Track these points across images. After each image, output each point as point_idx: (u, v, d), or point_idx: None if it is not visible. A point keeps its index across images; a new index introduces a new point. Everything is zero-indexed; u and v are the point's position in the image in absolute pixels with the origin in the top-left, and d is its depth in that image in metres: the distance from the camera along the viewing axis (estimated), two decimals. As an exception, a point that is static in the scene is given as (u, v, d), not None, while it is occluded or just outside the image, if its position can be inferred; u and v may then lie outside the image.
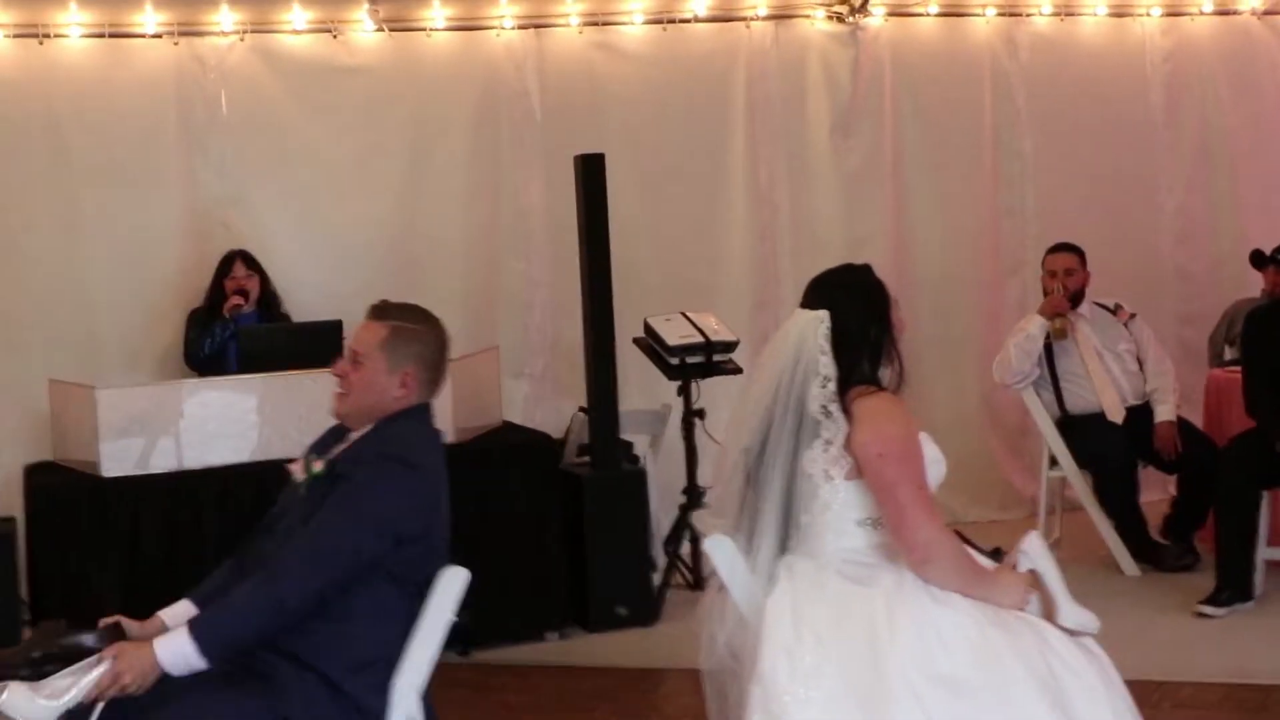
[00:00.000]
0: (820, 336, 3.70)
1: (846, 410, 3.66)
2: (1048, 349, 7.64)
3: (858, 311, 3.77)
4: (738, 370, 7.42)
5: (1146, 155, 9.38)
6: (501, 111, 8.37)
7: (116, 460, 6.39)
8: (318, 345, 6.57)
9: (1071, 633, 3.66)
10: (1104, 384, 7.54)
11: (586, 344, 7.18)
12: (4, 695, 3.42)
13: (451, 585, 3.70)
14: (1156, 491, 8.11)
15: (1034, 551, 3.78)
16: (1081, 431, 7.54)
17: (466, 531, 6.62)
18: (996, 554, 4.19)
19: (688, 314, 7.56)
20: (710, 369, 7.43)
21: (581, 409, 7.40)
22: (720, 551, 3.74)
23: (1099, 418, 7.50)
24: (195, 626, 3.61)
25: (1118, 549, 7.38)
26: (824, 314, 3.73)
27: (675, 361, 7.43)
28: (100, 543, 6.36)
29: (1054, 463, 7.66)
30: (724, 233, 8.69)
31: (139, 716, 3.49)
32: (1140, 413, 7.55)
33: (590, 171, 7.13)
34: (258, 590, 3.65)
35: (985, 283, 9.08)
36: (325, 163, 8.13)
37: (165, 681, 3.54)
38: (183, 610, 3.91)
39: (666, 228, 8.55)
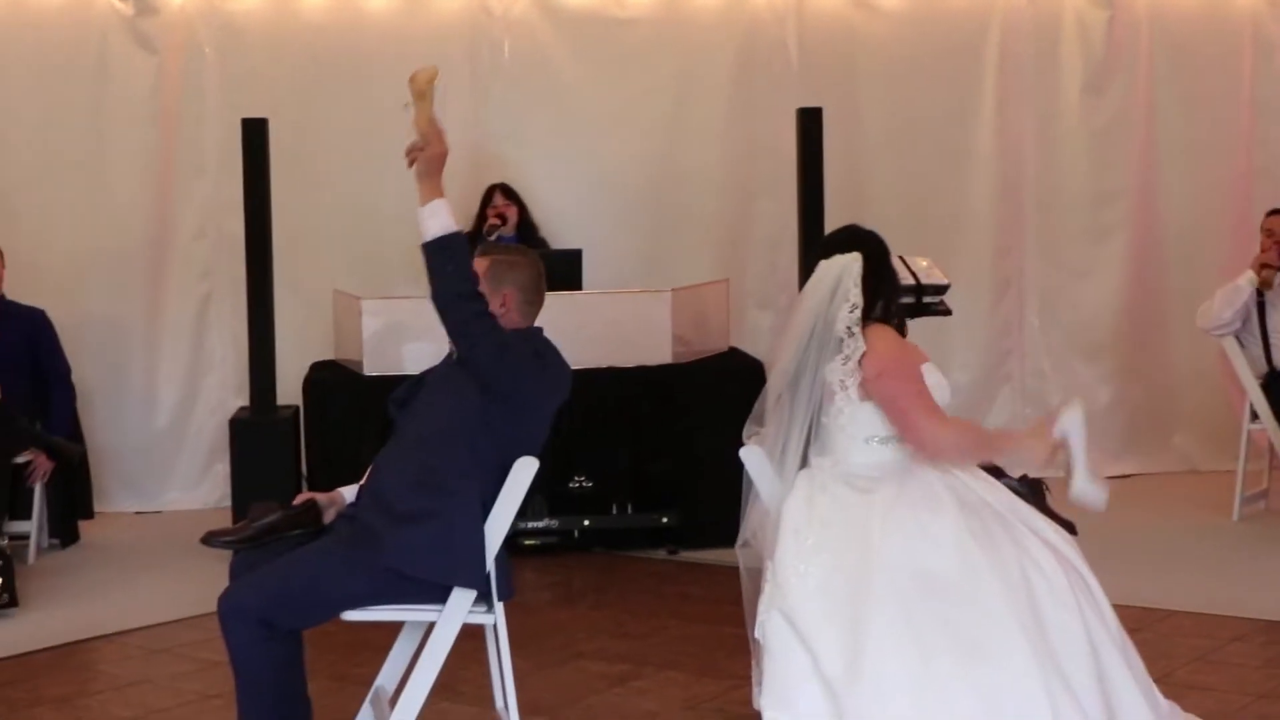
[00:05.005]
0: (854, 273, 4.34)
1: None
2: (1261, 307, 7.89)
3: (882, 260, 4.44)
4: (947, 312, 7.83)
5: None
6: (760, 62, 9.05)
7: (377, 361, 7.42)
8: (560, 270, 7.35)
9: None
10: (1306, 342, 7.76)
11: (800, 280, 7.80)
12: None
13: (523, 471, 4.40)
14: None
15: (1068, 421, 4.25)
16: (1281, 388, 7.80)
17: (680, 443, 7.50)
18: (1023, 481, 4.76)
19: (904, 257, 8.03)
20: (919, 309, 7.87)
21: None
22: (751, 459, 4.43)
23: (1301, 376, 7.75)
24: None
25: (1309, 504, 7.65)
26: (859, 255, 4.36)
27: (885, 302, 7.94)
28: (360, 432, 7.36)
29: (1255, 416, 7.92)
30: (970, 183, 9.18)
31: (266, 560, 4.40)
32: (1347, 374, 7.76)
33: (808, 125, 7.74)
34: None
35: (1232, 241, 9.25)
36: (594, 105, 8.96)
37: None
38: (351, 489, 4.77)
39: (914, 176, 9.08)
